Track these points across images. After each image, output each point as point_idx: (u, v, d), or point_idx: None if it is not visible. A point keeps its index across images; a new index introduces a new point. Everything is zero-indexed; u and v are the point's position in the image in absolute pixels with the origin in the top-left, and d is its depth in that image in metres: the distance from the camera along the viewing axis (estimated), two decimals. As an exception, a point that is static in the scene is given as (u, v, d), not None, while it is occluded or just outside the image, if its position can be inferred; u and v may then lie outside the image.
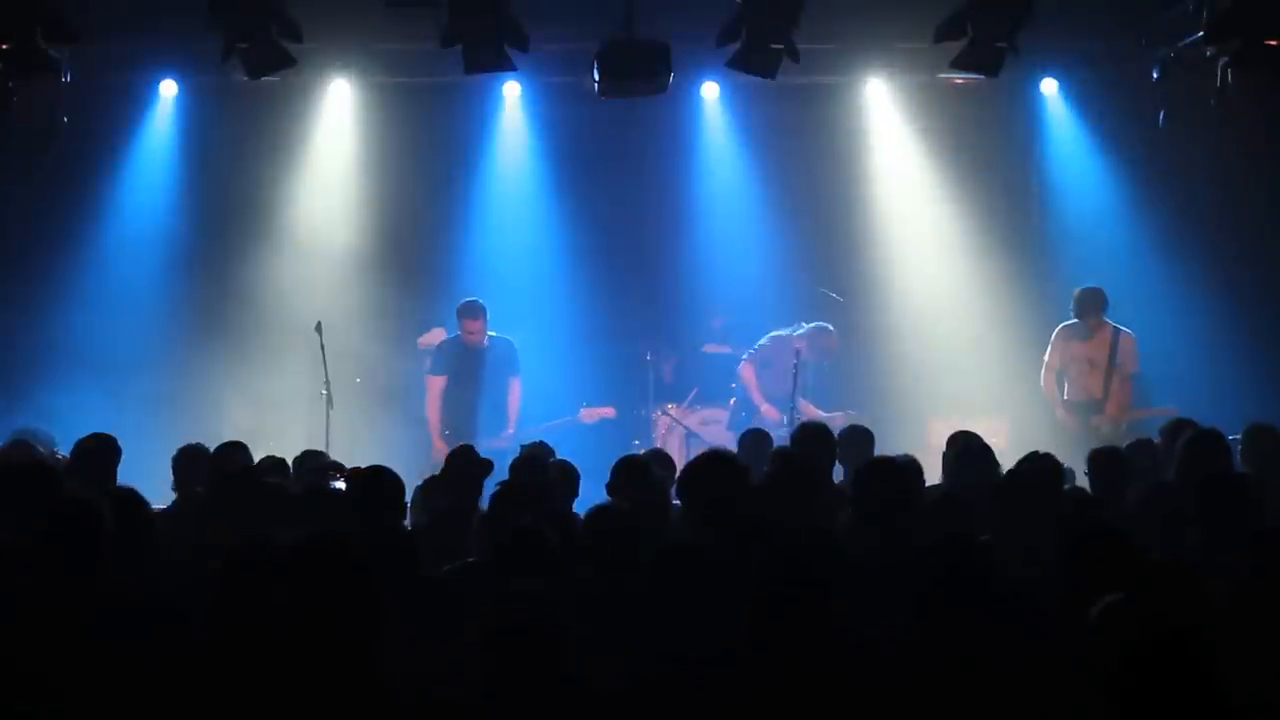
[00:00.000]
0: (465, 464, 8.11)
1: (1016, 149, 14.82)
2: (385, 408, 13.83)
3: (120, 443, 8.41)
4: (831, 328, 13.62)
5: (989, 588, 5.11)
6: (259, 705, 4.55)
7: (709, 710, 4.80)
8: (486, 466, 8.10)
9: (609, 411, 13.41)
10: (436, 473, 9.03)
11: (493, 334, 12.87)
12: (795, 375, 13.07)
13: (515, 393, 12.80)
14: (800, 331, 13.56)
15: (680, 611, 5.36)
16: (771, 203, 14.78)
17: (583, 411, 13.22)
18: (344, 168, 14.67)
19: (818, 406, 13.46)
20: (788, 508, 6.68)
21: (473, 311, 12.81)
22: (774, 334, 13.69)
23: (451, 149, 14.66)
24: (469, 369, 12.70)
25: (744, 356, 13.72)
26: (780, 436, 11.45)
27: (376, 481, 6.97)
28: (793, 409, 12.96)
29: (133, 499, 6.31)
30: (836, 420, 12.07)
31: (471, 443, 11.54)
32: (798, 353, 13.23)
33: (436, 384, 12.82)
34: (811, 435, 8.83)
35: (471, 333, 12.77)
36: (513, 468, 8.13)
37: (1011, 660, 4.82)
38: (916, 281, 14.74)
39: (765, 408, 13.34)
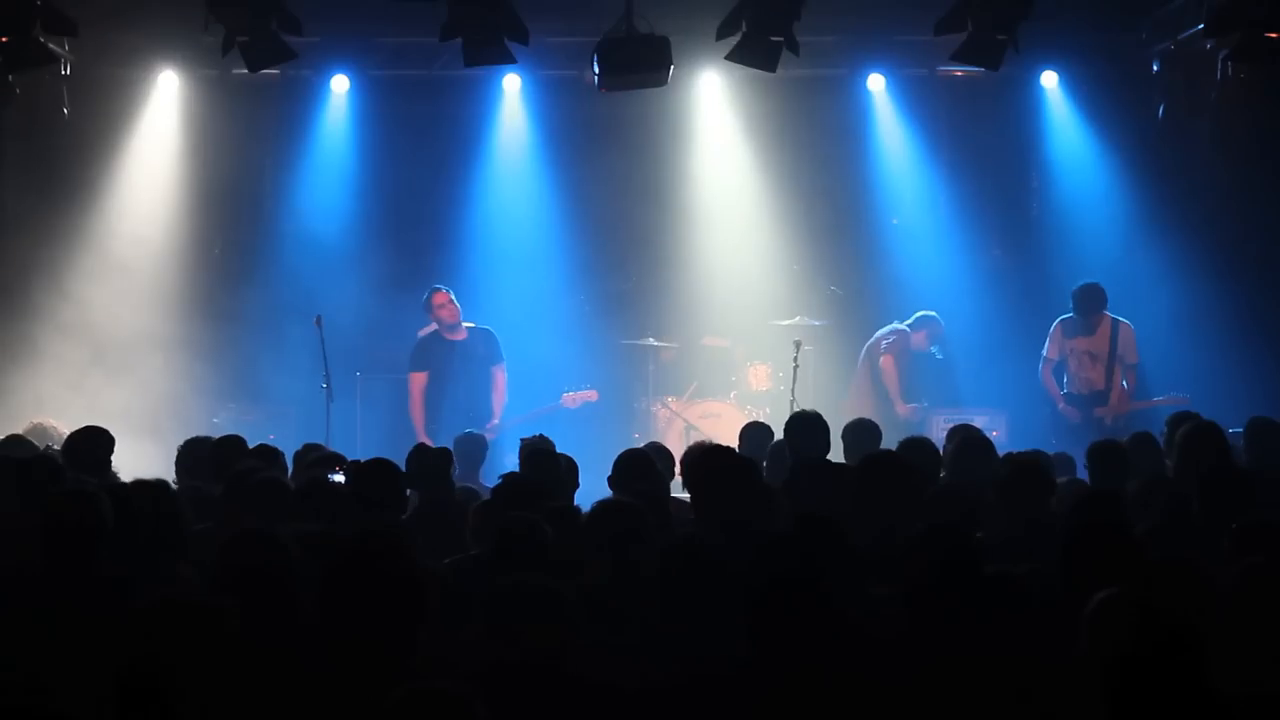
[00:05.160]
0: (424, 461, 8.07)
1: (1016, 142, 14.81)
2: (385, 401, 13.83)
3: (118, 434, 8.39)
4: (936, 314, 13.64)
5: (978, 580, 5.11)
6: (255, 699, 4.54)
7: (710, 705, 4.80)
8: (447, 458, 8.06)
9: (592, 395, 13.34)
10: None
11: (471, 325, 12.85)
12: (795, 369, 13.08)
13: (500, 382, 12.77)
14: (910, 322, 13.57)
15: (687, 607, 5.36)
16: (771, 195, 14.78)
17: (565, 397, 13.18)
18: (344, 160, 14.67)
19: (926, 395, 13.51)
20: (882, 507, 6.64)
21: (432, 292, 12.80)
22: (894, 327, 13.60)
23: (451, 142, 14.66)
24: (450, 363, 12.70)
25: (884, 348, 13.48)
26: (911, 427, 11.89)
27: (376, 474, 6.96)
28: (793, 402, 12.95)
29: (164, 491, 6.32)
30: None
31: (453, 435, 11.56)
32: (797, 344, 13.22)
33: (418, 380, 12.81)
34: (807, 426, 8.81)
35: (439, 307, 12.72)
36: (521, 462, 8.12)
37: (1005, 654, 4.82)
38: (915, 274, 14.73)
39: (900, 404, 13.18)
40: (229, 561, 5.26)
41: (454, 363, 12.72)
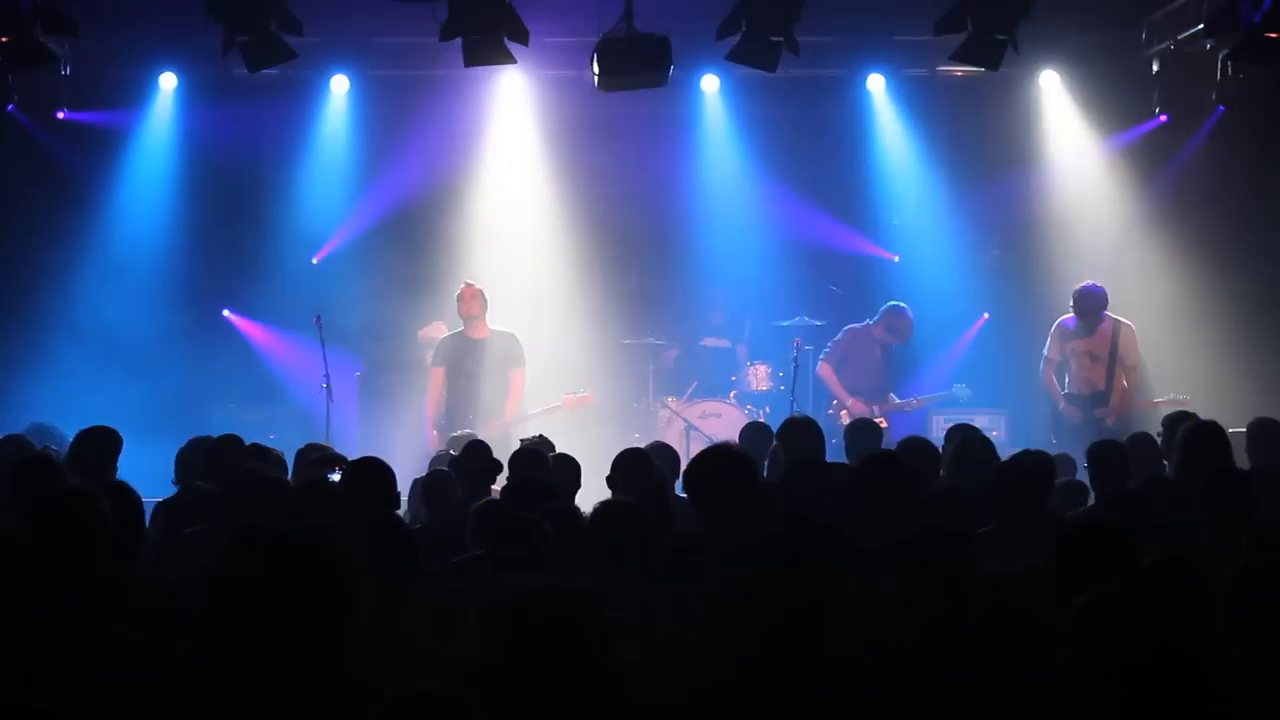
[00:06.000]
0: (476, 461, 8.11)
1: (1016, 142, 14.81)
2: (385, 400, 13.84)
3: (120, 434, 8.38)
4: (904, 305, 13.46)
5: (973, 582, 5.11)
6: (253, 698, 4.55)
7: (710, 706, 4.79)
8: (497, 466, 8.10)
9: (587, 399, 13.35)
10: (429, 463, 9.07)
11: (495, 328, 12.88)
12: (795, 369, 13.09)
13: (517, 384, 12.79)
14: (875, 320, 13.48)
15: (688, 607, 5.36)
16: (771, 195, 14.78)
17: (564, 399, 13.19)
18: (344, 160, 14.68)
19: (895, 391, 13.44)
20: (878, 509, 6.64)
21: (464, 285, 12.85)
22: (848, 328, 13.51)
23: (451, 142, 14.65)
24: (468, 362, 12.71)
25: (821, 356, 13.43)
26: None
27: (364, 472, 6.94)
28: (793, 402, 12.97)
29: (122, 491, 6.28)
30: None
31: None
32: (797, 345, 13.23)
33: (437, 375, 12.84)
34: (800, 428, 8.82)
35: (463, 299, 12.75)
36: (513, 463, 8.12)
37: (1003, 656, 4.81)
38: (915, 274, 14.73)
39: (852, 402, 13.10)
40: (232, 560, 5.25)
41: (471, 361, 12.72)
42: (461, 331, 12.87)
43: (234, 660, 4.64)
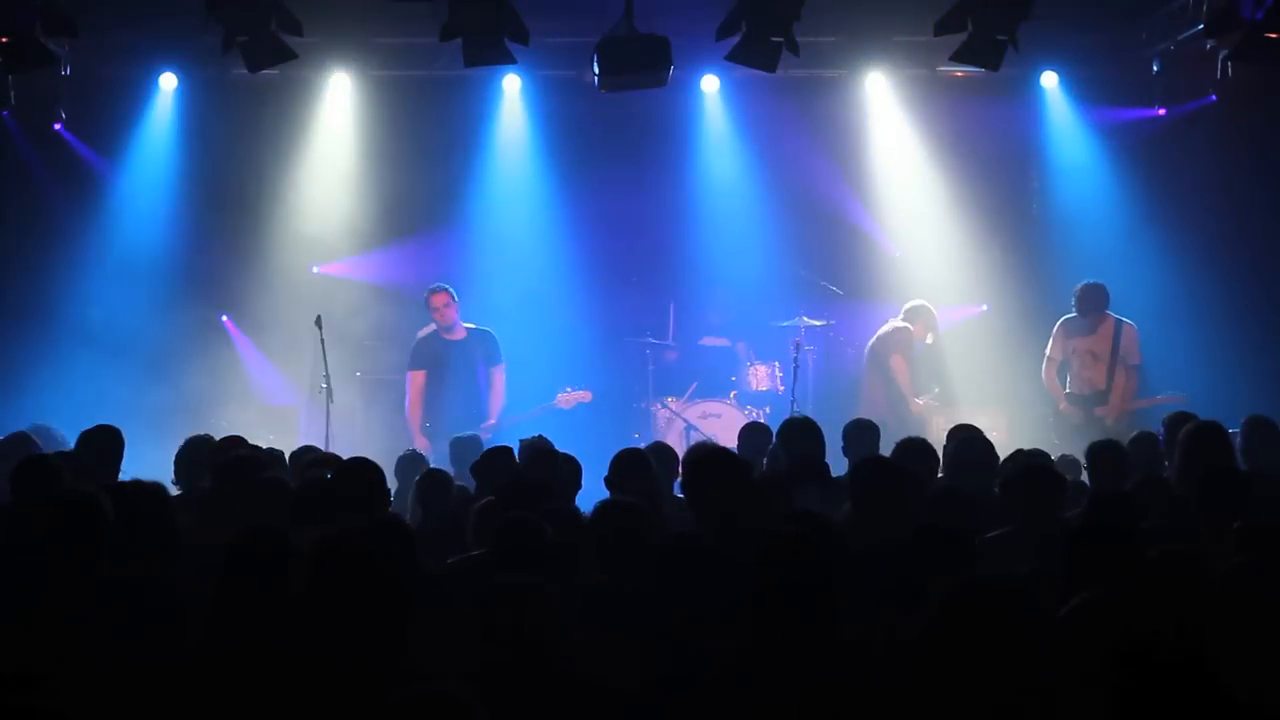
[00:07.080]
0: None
1: (1017, 142, 14.81)
2: (385, 401, 13.84)
3: (123, 434, 8.38)
4: (925, 302, 13.62)
5: (972, 581, 5.10)
6: (258, 699, 4.55)
7: (708, 705, 4.80)
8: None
9: (585, 395, 13.33)
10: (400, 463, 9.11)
11: (470, 326, 12.87)
12: (795, 368, 13.08)
13: (499, 382, 12.78)
14: (905, 316, 13.55)
15: (684, 605, 5.36)
16: (771, 196, 14.78)
17: (560, 397, 13.17)
18: (344, 161, 14.67)
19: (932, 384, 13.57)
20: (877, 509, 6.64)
21: (431, 292, 12.80)
22: (904, 326, 13.54)
23: (451, 142, 14.66)
24: (448, 362, 12.70)
25: (893, 349, 13.41)
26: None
27: (355, 474, 6.94)
28: (793, 401, 12.96)
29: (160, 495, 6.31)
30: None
31: (451, 435, 11.59)
32: (797, 345, 13.23)
33: (416, 379, 12.81)
34: (800, 428, 8.82)
35: (437, 309, 12.72)
36: (521, 462, 8.12)
37: (1004, 656, 4.80)
38: (915, 274, 14.73)
39: (913, 401, 13.18)
40: (233, 562, 5.26)
41: (452, 363, 12.70)
42: (436, 332, 12.84)
43: (238, 658, 4.66)
